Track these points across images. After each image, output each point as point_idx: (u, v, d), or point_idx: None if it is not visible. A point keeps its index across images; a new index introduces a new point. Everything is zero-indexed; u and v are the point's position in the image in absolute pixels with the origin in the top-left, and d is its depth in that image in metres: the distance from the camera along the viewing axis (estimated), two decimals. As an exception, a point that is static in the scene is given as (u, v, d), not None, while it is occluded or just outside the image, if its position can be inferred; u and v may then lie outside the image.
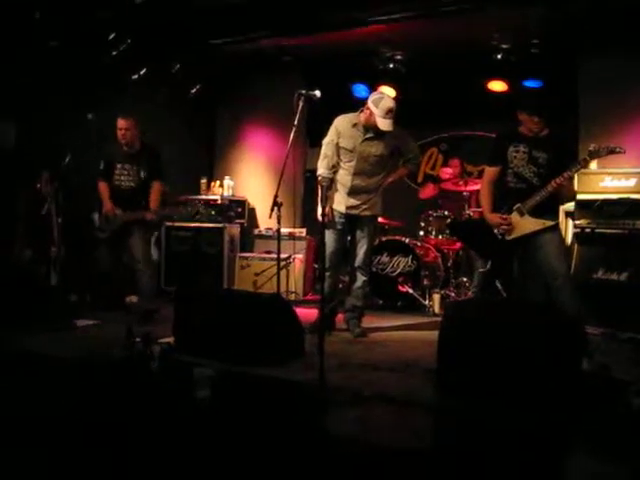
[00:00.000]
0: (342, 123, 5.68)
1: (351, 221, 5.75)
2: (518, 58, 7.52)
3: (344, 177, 5.67)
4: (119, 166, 6.31)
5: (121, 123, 6.20)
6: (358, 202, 5.67)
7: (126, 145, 6.29)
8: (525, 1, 6.43)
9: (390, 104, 5.39)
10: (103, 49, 7.11)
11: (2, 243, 6.65)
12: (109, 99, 7.26)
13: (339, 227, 5.71)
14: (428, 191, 8.18)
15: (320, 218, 4.42)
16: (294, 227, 8.47)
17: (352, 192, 5.66)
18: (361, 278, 5.79)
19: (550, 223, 4.89)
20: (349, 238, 5.88)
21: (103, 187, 6.39)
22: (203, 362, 4.33)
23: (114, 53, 7.12)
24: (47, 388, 4.10)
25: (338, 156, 5.66)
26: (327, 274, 5.62)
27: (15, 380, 4.28)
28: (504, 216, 5.01)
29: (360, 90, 8.51)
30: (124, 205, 6.26)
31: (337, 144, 5.64)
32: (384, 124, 5.38)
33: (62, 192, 6.27)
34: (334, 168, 5.68)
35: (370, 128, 5.52)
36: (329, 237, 5.61)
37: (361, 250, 5.74)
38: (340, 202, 5.69)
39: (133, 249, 6.25)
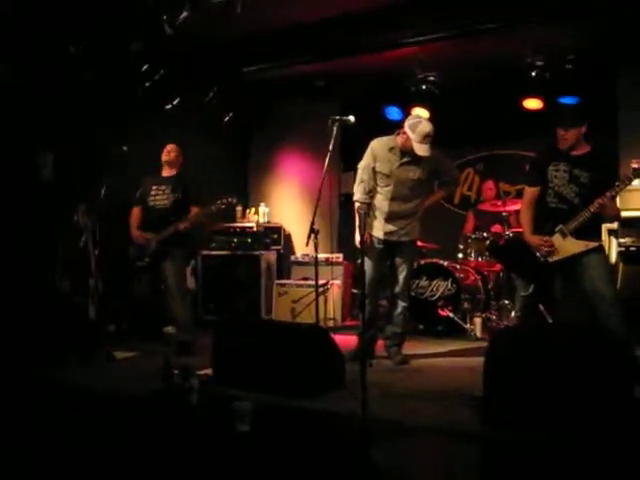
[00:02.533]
0: (378, 147, 5.56)
1: (390, 247, 5.64)
2: (553, 75, 7.40)
3: (381, 202, 5.56)
4: (154, 187, 6.38)
5: (170, 146, 6.46)
6: (396, 228, 5.56)
7: (167, 164, 6.41)
8: (564, 15, 6.28)
9: (427, 129, 5.24)
10: (137, 80, 7.17)
11: (41, 275, 6.69)
12: (143, 130, 7.31)
13: (378, 253, 5.61)
14: (470, 223, 8.06)
15: (358, 245, 4.34)
16: (331, 252, 8.43)
17: (390, 218, 5.55)
18: (401, 304, 5.68)
19: (594, 244, 4.71)
20: (388, 264, 5.79)
21: (135, 214, 6.46)
22: (242, 394, 4.26)
23: (147, 84, 7.16)
24: (84, 421, 4.08)
25: (375, 181, 5.56)
26: (366, 301, 5.52)
27: (52, 412, 4.26)
28: (546, 238, 4.85)
29: (393, 112, 8.47)
30: (158, 226, 6.23)
31: (373, 168, 5.54)
32: (421, 149, 5.24)
33: (99, 224, 6.28)
34: (371, 193, 5.58)
35: (407, 152, 5.40)
36: (368, 264, 5.50)
37: (401, 276, 5.63)
38: (378, 228, 5.59)
39: (166, 273, 6.21)
